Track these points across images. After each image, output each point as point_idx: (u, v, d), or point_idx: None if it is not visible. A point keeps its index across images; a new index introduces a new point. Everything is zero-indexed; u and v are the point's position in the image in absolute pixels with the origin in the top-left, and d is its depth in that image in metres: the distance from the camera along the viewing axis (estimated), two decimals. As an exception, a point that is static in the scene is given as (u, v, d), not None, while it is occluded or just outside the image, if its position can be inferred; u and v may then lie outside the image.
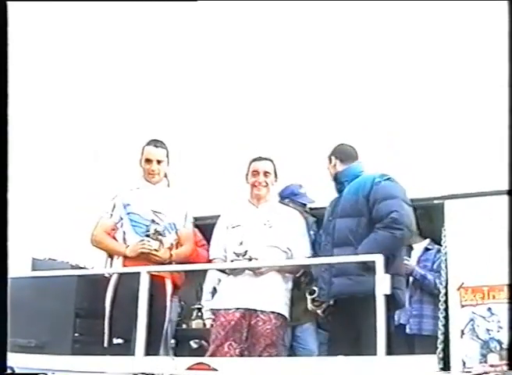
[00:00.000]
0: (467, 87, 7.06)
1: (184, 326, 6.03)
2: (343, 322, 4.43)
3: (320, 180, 5.20)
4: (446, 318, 4.06)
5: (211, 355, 4.57)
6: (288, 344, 5.09)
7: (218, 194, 6.43)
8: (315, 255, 4.78)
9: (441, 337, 4.09)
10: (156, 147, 4.91)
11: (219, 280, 5.07)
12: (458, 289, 3.98)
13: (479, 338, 3.87)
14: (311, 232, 5.01)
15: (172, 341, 5.65)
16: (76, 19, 7.70)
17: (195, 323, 5.97)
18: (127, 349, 4.38)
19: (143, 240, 4.73)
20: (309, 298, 4.64)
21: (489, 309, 3.88)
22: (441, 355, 3.98)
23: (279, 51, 7.72)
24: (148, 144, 4.95)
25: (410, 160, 6.69)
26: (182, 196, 5.01)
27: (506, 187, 3.82)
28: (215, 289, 5.29)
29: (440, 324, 4.13)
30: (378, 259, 3.87)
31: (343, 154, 4.74)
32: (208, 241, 5.09)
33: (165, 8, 7.47)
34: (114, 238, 4.89)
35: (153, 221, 4.79)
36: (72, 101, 8.10)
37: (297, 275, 4.88)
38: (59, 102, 8.12)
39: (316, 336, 5.26)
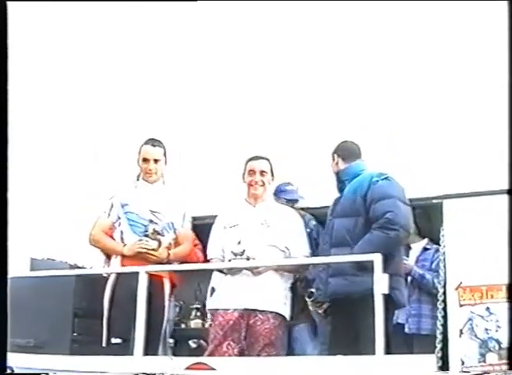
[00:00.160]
0: (467, 87, 7.05)
1: (183, 325, 6.04)
2: (342, 321, 4.43)
3: (320, 180, 5.20)
4: (445, 317, 4.05)
5: (210, 355, 4.57)
6: (286, 343, 5.09)
7: (216, 193, 6.42)
8: (314, 253, 4.78)
9: (439, 337, 4.09)
10: (153, 146, 4.90)
11: (219, 280, 5.07)
12: (457, 288, 3.97)
13: (478, 338, 3.85)
14: (308, 230, 5.00)
15: (171, 341, 5.65)
16: (76, 19, 7.70)
17: (194, 323, 5.99)
18: (126, 349, 4.37)
19: (141, 239, 4.73)
20: (308, 300, 4.63)
21: (488, 309, 3.87)
22: (439, 355, 3.98)
23: (278, 51, 7.71)
24: (145, 143, 4.93)
25: (410, 160, 6.68)
26: (180, 196, 5.00)
27: (505, 187, 3.82)
28: (213, 289, 5.28)
29: (439, 324, 4.14)
30: (377, 259, 3.87)
31: (346, 152, 4.72)
32: (204, 240, 5.08)
33: (165, 8, 7.48)
34: (112, 238, 4.87)
35: (151, 221, 4.78)
36: (71, 101, 8.10)
37: (295, 277, 4.88)
38: (59, 102, 8.12)
39: (314, 335, 5.25)
